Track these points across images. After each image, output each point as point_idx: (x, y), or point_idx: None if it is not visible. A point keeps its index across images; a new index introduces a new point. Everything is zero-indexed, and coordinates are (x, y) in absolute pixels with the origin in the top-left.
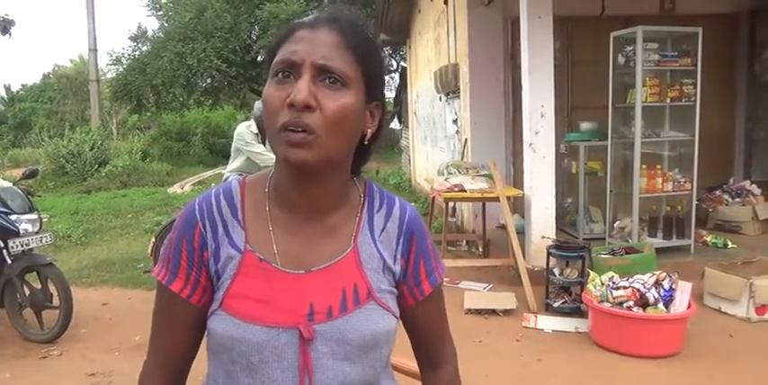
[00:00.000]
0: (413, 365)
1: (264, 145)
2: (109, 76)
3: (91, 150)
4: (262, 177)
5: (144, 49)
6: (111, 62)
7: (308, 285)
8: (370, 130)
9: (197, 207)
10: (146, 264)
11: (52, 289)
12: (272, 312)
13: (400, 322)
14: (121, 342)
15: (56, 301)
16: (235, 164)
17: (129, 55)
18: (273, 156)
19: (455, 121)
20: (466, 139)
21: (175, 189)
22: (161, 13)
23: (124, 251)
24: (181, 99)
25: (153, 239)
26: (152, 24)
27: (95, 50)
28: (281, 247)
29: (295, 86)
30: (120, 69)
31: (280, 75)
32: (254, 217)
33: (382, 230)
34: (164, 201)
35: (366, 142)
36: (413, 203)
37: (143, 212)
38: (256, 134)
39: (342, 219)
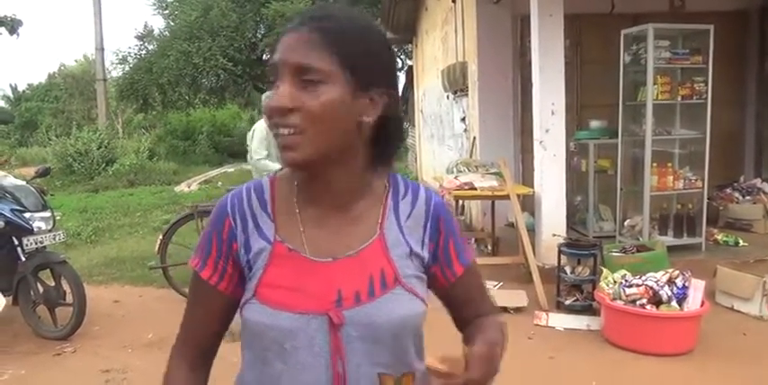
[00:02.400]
0: (441, 367)
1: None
2: (114, 74)
3: (98, 149)
4: (292, 172)
5: (150, 48)
6: (117, 61)
7: (336, 272)
8: (369, 118)
9: (229, 201)
10: (155, 261)
11: (65, 286)
12: (302, 300)
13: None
14: (134, 339)
15: (69, 299)
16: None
17: (135, 54)
18: (267, 164)
19: (463, 120)
20: (474, 137)
21: (182, 188)
22: (167, 11)
23: (134, 249)
24: (187, 98)
25: (160, 237)
26: (158, 23)
27: (102, 49)
28: (309, 238)
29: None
30: (127, 68)
31: (272, 81)
32: (283, 210)
33: (408, 217)
34: (171, 199)
35: (383, 129)
36: None
37: (151, 211)
38: None
39: (367, 208)
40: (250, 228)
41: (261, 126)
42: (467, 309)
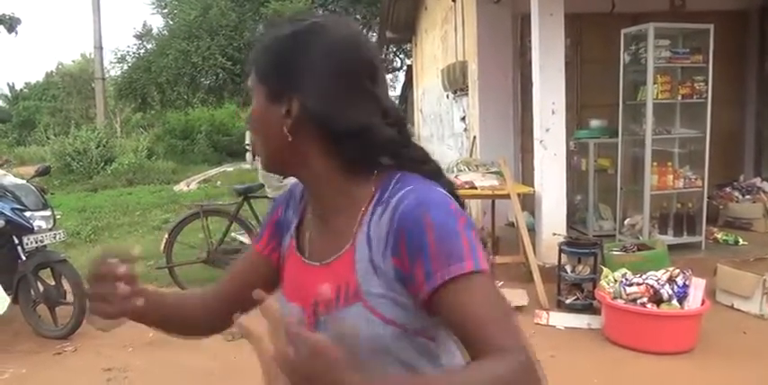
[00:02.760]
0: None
1: None
2: (113, 73)
3: (97, 148)
4: None
5: (149, 47)
6: (115, 60)
7: (319, 277)
8: (285, 127)
9: (287, 192)
10: (157, 260)
11: (66, 285)
12: (297, 296)
13: None
14: (135, 338)
15: (69, 298)
16: None
17: (133, 53)
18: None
19: (463, 119)
20: (474, 137)
21: (181, 187)
22: (166, 10)
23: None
24: (185, 97)
25: (166, 236)
26: (157, 22)
27: (101, 48)
28: (311, 240)
29: None
30: (125, 67)
31: None
32: (308, 210)
33: (377, 226)
34: (170, 198)
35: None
36: None
37: (150, 210)
38: None
39: (349, 215)
40: (289, 218)
41: None
42: (468, 349)
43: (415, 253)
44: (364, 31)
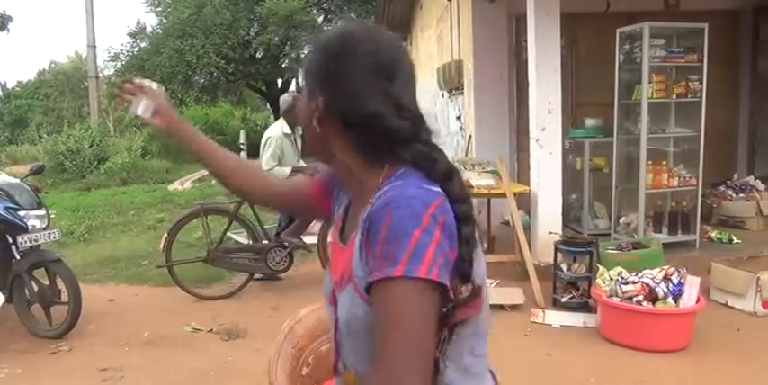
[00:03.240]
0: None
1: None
2: (107, 72)
3: (90, 147)
4: None
5: (142, 45)
6: (109, 58)
7: (339, 257)
8: (314, 121)
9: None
10: (153, 259)
11: (60, 285)
12: (332, 268)
13: None
14: (131, 337)
15: (64, 297)
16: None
17: (127, 51)
18: (274, 172)
19: (458, 118)
20: (470, 136)
21: (176, 186)
22: (160, 9)
23: (128, 248)
24: (179, 96)
25: (165, 235)
26: (151, 20)
27: (94, 47)
28: (346, 220)
29: None
30: (119, 66)
31: None
32: None
33: (368, 215)
34: (165, 198)
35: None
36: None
37: (144, 209)
38: (288, 134)
39: (363, 204)
40: (341, 198)
41: (276, 134)
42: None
43: (371, 247)
44: None
